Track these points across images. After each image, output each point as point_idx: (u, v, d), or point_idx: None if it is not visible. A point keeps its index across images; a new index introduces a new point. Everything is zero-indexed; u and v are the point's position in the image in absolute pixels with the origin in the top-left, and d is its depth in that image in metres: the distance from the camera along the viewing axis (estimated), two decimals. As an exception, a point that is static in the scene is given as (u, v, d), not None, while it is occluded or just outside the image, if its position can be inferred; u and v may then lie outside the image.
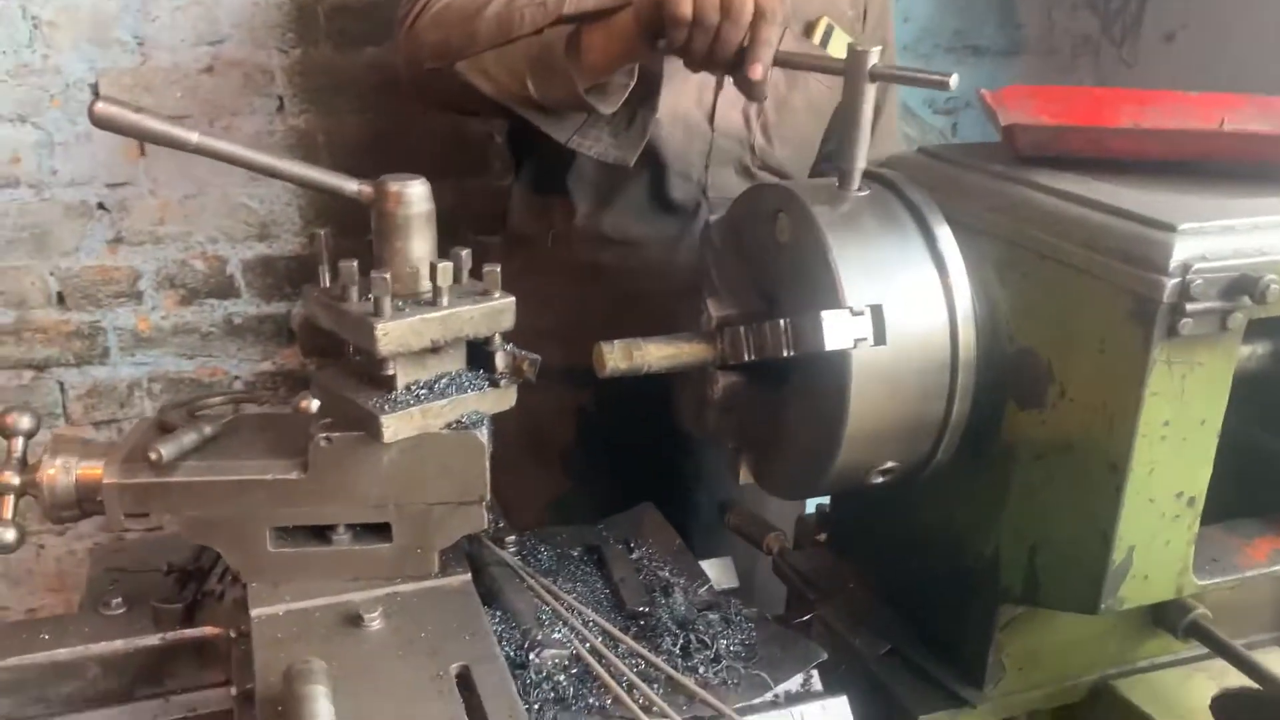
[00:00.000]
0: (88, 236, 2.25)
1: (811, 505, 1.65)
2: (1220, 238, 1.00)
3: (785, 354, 1.09)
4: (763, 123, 1.78)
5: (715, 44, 1.24)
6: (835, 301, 1.06)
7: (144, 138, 1.08)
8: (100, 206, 2.24)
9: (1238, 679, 1.27)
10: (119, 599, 1.26)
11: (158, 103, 2.17)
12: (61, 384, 2.34)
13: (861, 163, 1.14)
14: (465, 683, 1.06)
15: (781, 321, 1.09)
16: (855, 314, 1.05)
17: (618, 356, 1.15)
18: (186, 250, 2.30)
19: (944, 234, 1.14)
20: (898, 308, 1.09)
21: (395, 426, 1.11)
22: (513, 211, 1.93)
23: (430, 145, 2.34)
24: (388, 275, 1.07)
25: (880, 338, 1.06)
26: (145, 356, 2.36)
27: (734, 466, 1.33)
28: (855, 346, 1.06)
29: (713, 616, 1.28)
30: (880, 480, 1.16)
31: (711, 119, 1.75)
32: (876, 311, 1.06)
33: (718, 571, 1.50)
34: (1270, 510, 1.26)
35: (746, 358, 1.15)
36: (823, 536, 1.57)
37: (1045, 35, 2.89)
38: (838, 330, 1.05)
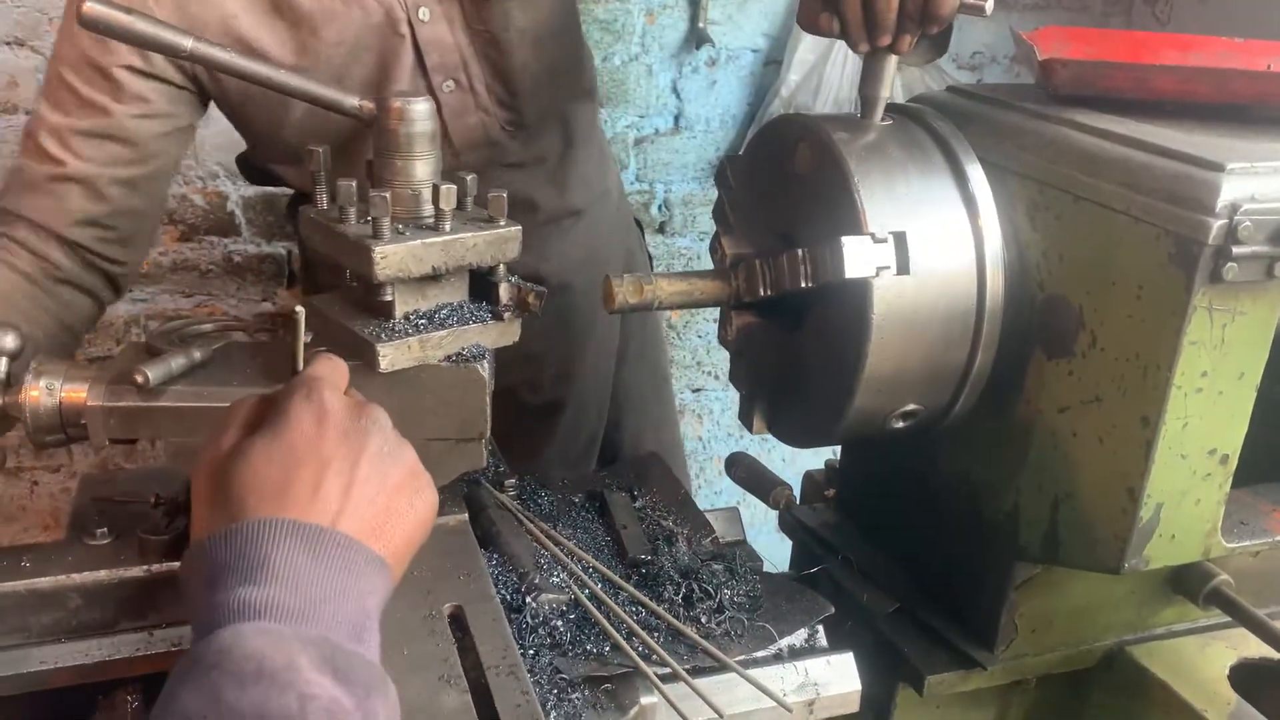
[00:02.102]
0: (86, 167, 2.19)
1: (819, 460, 1.61)
2: (1271, 179, 0.94)
3: (803, 285, 1.04)
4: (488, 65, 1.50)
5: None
6: (856, 229, 1.01)
7: (135, 42, 1.02)
8: (99, 136, 2.18)
9: (1258, 649, 1.22)
10: (104, 529, 1.22)
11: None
12: (57, 318, 2.30)
13: (886, 91, 1.08)
14: (458, 623, 1.02)
15: (799, 251, 1.04)
16: (878, 241, 0.99)
17: (628, 290, 1.10)
18: (186, 184, 2.25)
19: (975, 173, 1.08)
20: (923, 247, 1.03)
21: (392, 356, 1.06)
22: None
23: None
24: (388, 195, 1.02)
25: (904, 267, 1.00)
26: (143, 293, 2.31)
27: (747, 415, 1.28)
28: (877, 275, 1.00)
29: (717, 567, 1.23)
30: (900, 425, 1.11)
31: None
32: (900, 239, 1.00)
33: (723, 523, 1.46)
34: (1299, 476, 1.21)
35: (763, 292, 1.09)
36: (830, 492, 1.53)
37: (1076, -10, 2.81)
38: (859, 257, 0.99)
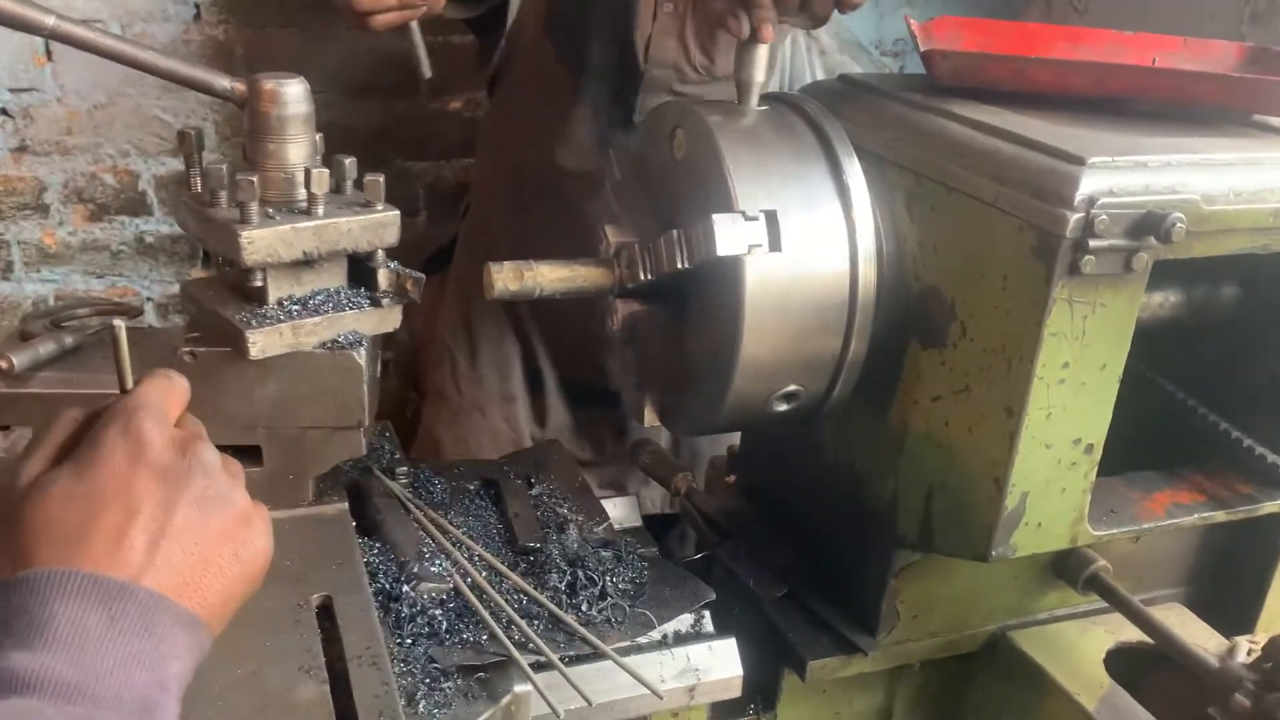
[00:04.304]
0: (-11, 144, 2.14)
1: (723, 448, 1.61)
2: (1131, 173, 0.95)
3: (680, 265, 1.03)
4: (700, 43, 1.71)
5: None
6: (728, 208, 1.01)
7: (-5, 19, 0.99)
8: (3, 112, 2.13)
9: (1135, 634, 1.25)
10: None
11: (65, 5, 2.05)
12: (-38, 298, 2.25)
13: (760, 75, 1.09)
14: (327, 614, 1.02)
15: (674, 232, 1.03)
16: (749, 219, 1.00)
17: (507, 277, 1.09)
18: (96, 163, 2.20)
19: (847, 156, 1.08)
20: (795, 226, 1.03)
21: (263, 343, 1.05)
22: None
23: (355, 64, 2.24)
24: (255, 179, 1.00)
25: (775, 244, 1.00)
26: (52, 273, 2.26)
27: (638, 406, 1.27)
28: (749, 253, 1.00)
29: (605, 554, 1.24)
30: (783, 408, 1.10)
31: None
32: (771, 217, 1.00)
33: (621, 510, 1.46)
34: (1172, 464, 1.23)
35: (643, 276, 1.09)
36: (731, 478, 1.54)
37: (998, -21, 2.83)
38: (730, 235, 0.99)
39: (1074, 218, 0.92)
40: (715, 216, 0.99)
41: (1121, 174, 0.95)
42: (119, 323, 0.76)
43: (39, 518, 0.64)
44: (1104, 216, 0.91)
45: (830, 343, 1.07)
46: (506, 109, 1.85)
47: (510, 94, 1.83)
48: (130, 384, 0.77)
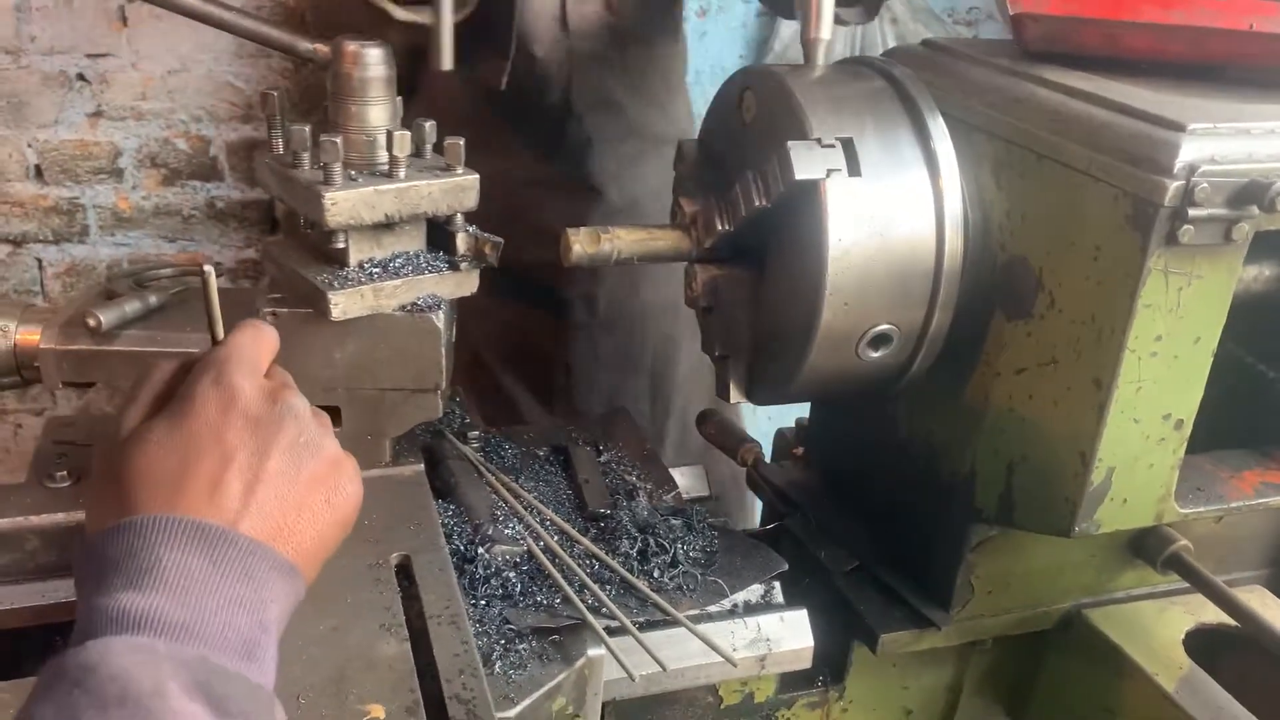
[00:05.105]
0: (67, 108, 2.18)
1: (790, 419, 1.60)
2: (1232, 140, 0.92)
3: (758, 203, 1.00)
4: None
5: None
6: (802, 138, 0.99)
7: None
8: (80, 77, 2.16)
9: (1215, 615, 1.22)
10: (64, 472, 1.22)
11: (141, -30, 2.08)
12: (39, 261, 2.29)
13: (826, 32, 1.06)
14: (405, 573, 1.03)
15: (749, 173, 1.01)
16: (825, 145, 0.97)
17: (584, 240, 1.08)
18: (169, 128, 2.23)
19: (937, 128, 1.05)
20: (873, 157, 1.00)
21: (344, 304, 1.05)
22: None
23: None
24: (339, 140, 1.01)
25: (854, 169, 0.98)
26: (125, 237, 2.30)
27: (722, 380, 1.25)
28: (828, 176, 0.97)
29: (675, 522, 1.23)
30: (875, 354, 1.06)
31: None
32: (848, 144, 0.97)
33: (688, 479, 1.45)
34: (1262, 443, 1.20)
35: (720, 227, 1.07)
36: (799, 450, 1.52)
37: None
38: (807, 159, 0.96)
39: (1173, 185, 0.89)
40: (790, 143, 0.96)
41: (1223, 141, 0.92)
42: (209, 268, 0.76)
43: (139, 466, 0.67)
44: (1205, 185, 0.89)
45: (914, 311, 1.05)
46: None
47: None
48: (222, 333, 0.78)
